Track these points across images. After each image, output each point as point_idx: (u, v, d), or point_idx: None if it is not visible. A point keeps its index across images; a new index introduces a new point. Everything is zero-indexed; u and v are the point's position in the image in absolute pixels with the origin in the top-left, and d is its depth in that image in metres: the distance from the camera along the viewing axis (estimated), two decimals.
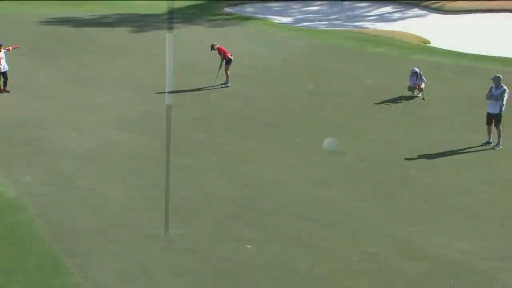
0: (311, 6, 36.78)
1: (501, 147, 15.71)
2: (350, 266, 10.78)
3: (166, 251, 11.24)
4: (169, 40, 10.67)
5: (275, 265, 10.82)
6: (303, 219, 12.33)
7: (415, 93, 19.65)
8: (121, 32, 28.70)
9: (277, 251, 11.23)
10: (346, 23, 32.57)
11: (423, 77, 19.46)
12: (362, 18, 34.19)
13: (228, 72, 20.78)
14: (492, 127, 15.77)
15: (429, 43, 27.93)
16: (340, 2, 37.12)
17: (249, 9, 36.20)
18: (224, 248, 11.34)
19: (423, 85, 19.40)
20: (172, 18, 28.48)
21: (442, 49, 26.08)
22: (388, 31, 29.18)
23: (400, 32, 29.10)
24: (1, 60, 19.93)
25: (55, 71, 22.65)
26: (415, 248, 11.28)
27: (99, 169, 14.69)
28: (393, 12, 35.44)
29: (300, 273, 10.62)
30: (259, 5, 37.12)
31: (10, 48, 20.83)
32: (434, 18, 33.65)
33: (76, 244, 11.44)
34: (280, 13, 34.97)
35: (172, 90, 20.57)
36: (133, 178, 14.23)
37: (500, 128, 15.71)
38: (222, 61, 20.74)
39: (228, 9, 35.50)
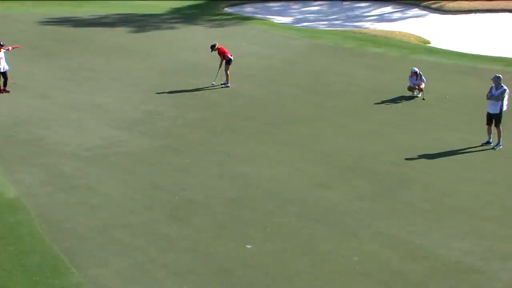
0: (311, 6, 36.80)
1: (501, 147, 15.71)
2: (350, 266, 10.77)
3: (166, 251, 11.25)
4: None
5: (275, 265, 10.82)
6: (303, 219, 12.33)
7: (415, 93, 19.66)
8: (121, 32, 28.73)
9: (277, 251, 11.23)
10: (346, 23, 32.59)
11: (423, 77, 19.46)
12: (362, 18, 34.20)
13: (228, 72, 20.80)
14: (492, 127, 15.77)
15: (429, 43, 27.95)
16: (340, 2, 37.13)
17: (249, 9, 36.22)
18: (224, 248, 11.34)
19: (423, 85, 19.41)
20: None
21: (442, 49, 26.09)
22: (388, 31, 29.19)
23: (400, 32, 29.10)
24: (1, 60, 19.94)
25: (55, 71, 22.68)
26: (415, 248, 11.28)
27: (99, 169, 14.69)
28: (393, 12, 35.47)
29: (300, 273, 10.62)
30: (259, 5, 37.16)
31: (10, 48, 20.85)
32: (434, 18, 33.66)
33: (76, 244, 11.45)
34: (280, 13, 34.99)
35: (172, 90, 20.62)
36: (133, 178, 14.23)
37: (500, 128, 15.71)
38: (222, 61, 20.76)
39: (228, 9, 35.53)
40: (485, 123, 15.85)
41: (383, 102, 19.34)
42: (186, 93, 20.38)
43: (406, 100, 19.48)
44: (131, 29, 29.31)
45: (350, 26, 31.67)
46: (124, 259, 10.99)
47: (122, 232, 11.88)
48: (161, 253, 11.19)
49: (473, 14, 33.66)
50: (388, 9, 35.89)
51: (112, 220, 12.32)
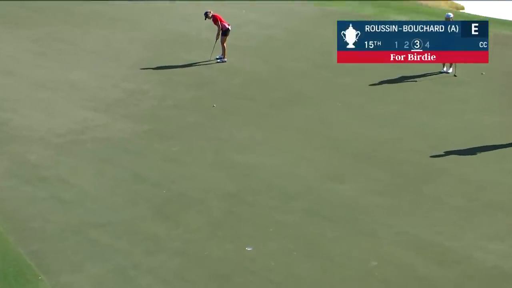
0: None
1: None
2: (367, 272, 10.75)
3: (153, 254, 11.24)
4: None
5: (278, 269, 10.82)
6: (311, 217, 12.31)
7: (444, 68, 19.54)
8: None
9: (281, 254, 11.22)
10: None
11: None
12: None
13: (225, 44, 20.72)
14: None
15: (463, 8, 27.77)
16: None
17: None
18: (220, 250, 11.34)
19: None
20: None
21: (477, 15, 25.87)
22: None
23: None
24: None
25: (21, 43, 22.60)
26: (444, 251, 11.25)
27: (73, 158, 14.69)
28: None
29: (308, 279, 10.60)
30: None
31: None
32: None
33: (45, 246, 11.44)
34: None
35: (159, 65, 20.55)
36: (113, 168, 14.22)
37: None
38: (218, 31, 20.64)
39: None
40: None
41: (405, 78, 19.21)
42: (176, 69, 20.35)
43: (433, 76, 19.35)
44: None
45: None
46: (102, 263, 10.98)
47: (100, 232, 11.87)
48: (147, 256, 11.17)
49: None
50: None
51: (89, 217, 12.30)
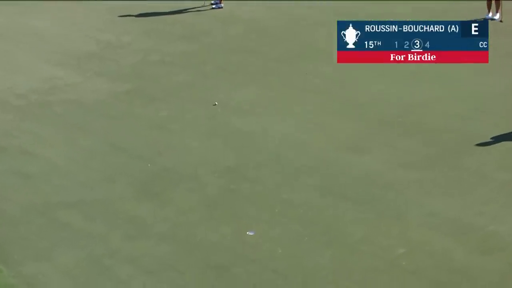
0: None
1: None
2: (394, 261, 10.74)
3: (134, 240, 11.27)
4: None
5: (286, 259, 10.83)
6: (326, 195, 12.32)
7: (490, 14, 19.50)
8: None
9: (289, 239, 11.24)
10: None
11: None
12: None
13: None
14: None
15: None
16: None
17: None
18: (217, 235, 11.37)
19: None
20: None
21: None
22: None
23: None
24: None
25: None
26: (488, 236, 11.23)
27: (38, 124, 14.76)
28: None
29: (321, 270, 10.61)
30: None
31: None
32: None
33: (5, 231, 11.48)
34: None
35: (142, 12, 20.43)
36: (86, 137, 14.28)
37: None
38: None
39: None
40: None
41: None
42: (163, 16, 20.35)
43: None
44: None
45: None
46: (73, 251, 11.01)
47: (71, 213, 11.90)
48: (127, 242, 11.21)
49: None
50: None
51: (57, 196, 12.35)
